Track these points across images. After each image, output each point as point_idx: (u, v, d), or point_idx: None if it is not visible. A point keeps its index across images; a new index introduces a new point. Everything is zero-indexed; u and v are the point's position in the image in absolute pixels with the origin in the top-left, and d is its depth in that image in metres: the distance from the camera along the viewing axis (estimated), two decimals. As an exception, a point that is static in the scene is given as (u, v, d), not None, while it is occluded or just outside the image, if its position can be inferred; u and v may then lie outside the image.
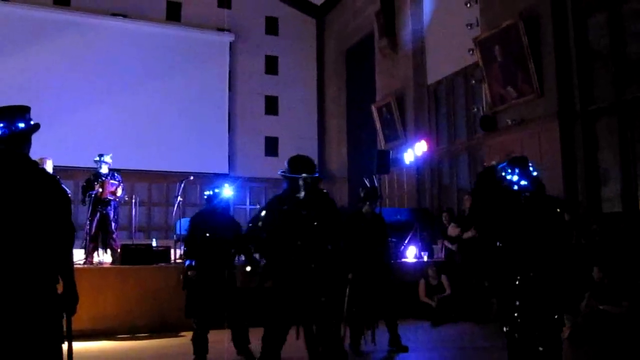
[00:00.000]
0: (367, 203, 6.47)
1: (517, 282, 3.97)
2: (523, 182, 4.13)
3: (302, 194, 4.38)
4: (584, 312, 6.38)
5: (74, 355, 3.06)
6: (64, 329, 3.00)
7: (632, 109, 7.89)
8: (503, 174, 4.22)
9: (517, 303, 3.95)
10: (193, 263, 5.64)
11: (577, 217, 7.32)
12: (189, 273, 5.61)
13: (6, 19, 14.57)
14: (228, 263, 5.78)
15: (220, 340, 5.75)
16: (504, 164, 4.29)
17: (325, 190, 4.88)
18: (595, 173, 8.39)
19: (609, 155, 8.29)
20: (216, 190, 5.88)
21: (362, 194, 6.53)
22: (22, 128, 3.01)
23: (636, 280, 6.51)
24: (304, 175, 4.39)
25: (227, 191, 5.93)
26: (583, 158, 8.42)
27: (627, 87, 7.96)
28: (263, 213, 4.55)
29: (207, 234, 5.64)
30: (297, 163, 4.56)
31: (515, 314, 3.94)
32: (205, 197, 5.99)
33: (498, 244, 4.19)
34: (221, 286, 5.60)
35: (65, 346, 2.96)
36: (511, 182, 4.15)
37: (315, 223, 4.35)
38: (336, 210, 4.66)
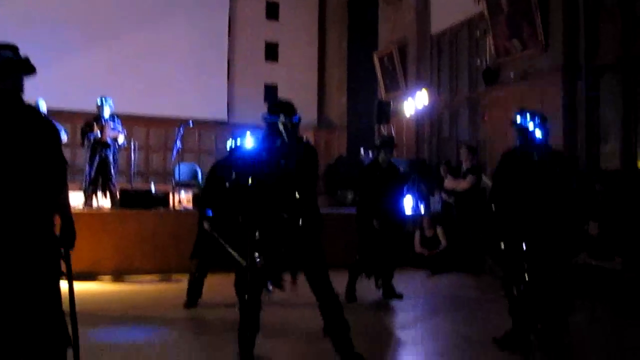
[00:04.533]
0: (383, 151, 6.43)
1: (524, 247, 4.14)
2: (538, 134, 4.33)
3: (284, 137, 3.91)
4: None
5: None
6: (63, 266, 3.00)
7: (637, 66, 7.79)
8: (520, 119, 4.38)
9: (526, 266, 4.13)
10: (210, 213, 5.56)
11: (576, 173, 7.34)
12: (205, 225, 5.55)
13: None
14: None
15: (216, 284, 5.86)
16: (525, 112, 4.45)
17: (306, 138, 4.32)
18: (595, 129, 8.36)
19: (610, 112, 8.24)
20: (239, 141, 5.76)
21: (377, 142, 6.47)
22: (7, 56, 2.85)
23: (630, 236, 6.56)
24: (281, 118, 3.91)
25: (249, 141, 5.84)
26: (584, 114, 8.36)
27: (633, 44, 7.83)
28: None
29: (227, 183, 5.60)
30: (276, 105, 4.08)
31: (525, 275, 4.11)
32: (228, 147, 5.87)
33: (493, 207, 4.33)
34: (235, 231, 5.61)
35: (65, 284, 2.95)
36: (528, 130, 4.34)
37: (293, 173, 3.90)
38: (316, 161, 4.14)
